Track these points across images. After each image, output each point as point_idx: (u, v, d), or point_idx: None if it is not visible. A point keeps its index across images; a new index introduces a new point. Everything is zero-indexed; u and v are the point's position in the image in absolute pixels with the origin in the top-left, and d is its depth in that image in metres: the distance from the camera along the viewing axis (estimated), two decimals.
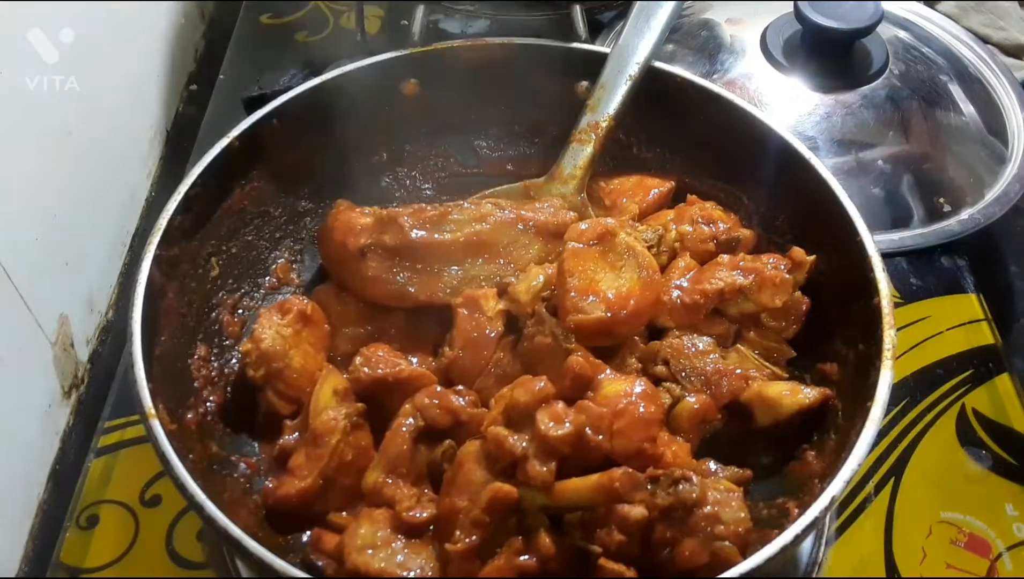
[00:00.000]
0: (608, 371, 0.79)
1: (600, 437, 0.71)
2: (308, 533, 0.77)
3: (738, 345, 0.86)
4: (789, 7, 1.15)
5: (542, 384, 0.73)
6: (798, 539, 0.64)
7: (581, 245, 0.85)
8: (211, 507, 0.66)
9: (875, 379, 0.72)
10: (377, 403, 0.81)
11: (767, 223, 0.95)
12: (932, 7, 1.31)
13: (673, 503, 0.68)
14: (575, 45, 1.02)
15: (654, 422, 0.74)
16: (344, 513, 0.77)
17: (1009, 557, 0.85)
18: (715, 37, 1.21)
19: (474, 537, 0.69)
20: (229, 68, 1.31)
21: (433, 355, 0.88)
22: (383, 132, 1.03)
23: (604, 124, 0.96)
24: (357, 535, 0.72)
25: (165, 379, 0.76)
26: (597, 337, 0.82)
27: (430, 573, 0.70)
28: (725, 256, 0.89)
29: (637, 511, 0.68)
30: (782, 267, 0.86)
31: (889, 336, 0.75)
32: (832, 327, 0.84)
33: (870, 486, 0.90)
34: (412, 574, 0.70)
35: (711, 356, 0.84)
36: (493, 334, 0.84)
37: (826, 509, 0.65)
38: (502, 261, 0.89)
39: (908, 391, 0.97)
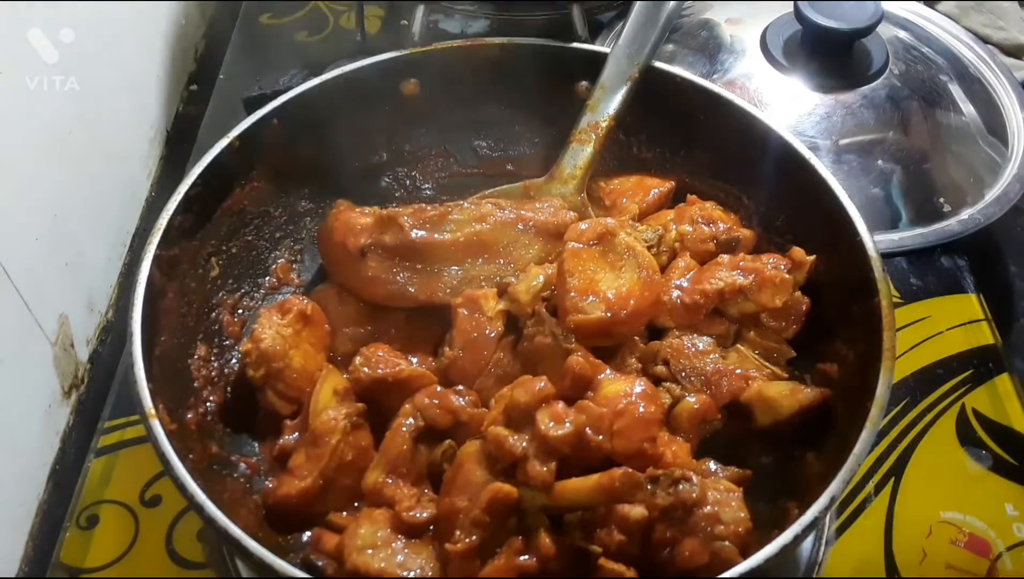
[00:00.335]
0: (608, 371, 0.79)
1: (600, 437, 0.71)
2: (308, 533, 0.77)
3: (738, 345, 0.86)
4: (789, 7, 1.15)
5: (542, 384, 0.73)
6: (798, 539, 0.64)
7: (581, 245, 0.85)
8: (211, 507, 0.66)
9: (875, 379, 0.72)
10: (377, 403, 0.81)
11: (767, 223, 0.95)
12: (932, 7, 1.31)
13: (673, 503, 0.68)
14: (575, 45, 1.02)
15: (654, 422, 0.74)
16: (344, 513, 0.77)
17: (1009, 557, 0.85)
18: (715, 37, 1.21)
19: (474, 537, 0.68)
20: (229, 68, 1.31)
21: (433, 355, 0.88)
22: (383, 132, 1.03)
23: (604, 124, 0.96)
24: (357, 535, 0.72)
25: (165, 379, 0.76)
26: (597, 337, 0.82)
27: (430, 573, 0.70)
28: (725, 256, 0.89)
29: (637, 511, 0.68)
30: (782, 267, 0.86)
31: (889, 336, 0.75)
32: (832, 327, 0.84)
33: (870, 486, 0.90)
34: (412, 574, 0.70)
35: (711, 356, 0.84)
36: (493, 334, 0.84)
37: (826, 509, 0.66)
38: (502, 261, 0.89)
39: (908, 391, 0.97)
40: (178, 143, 1.26)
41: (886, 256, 0.82)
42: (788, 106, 1.13)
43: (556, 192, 0.97)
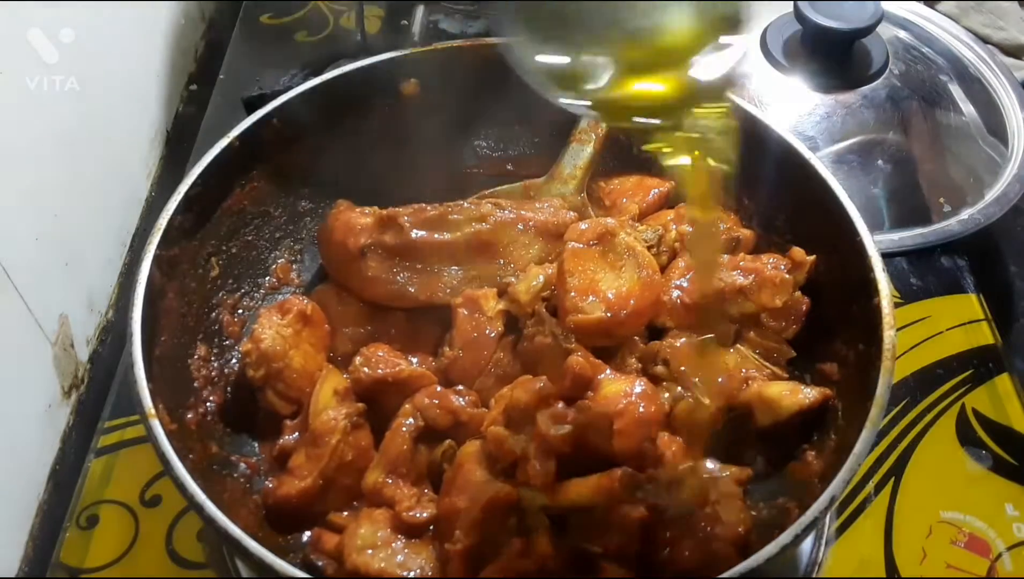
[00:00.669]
0: (608, 371, 0.79)
1: (600, 437, 0.71)
2: (308, 533, 0.77)
3: (738, 345, 0.86)
4: (789, 7, 1.15)
5: (542, 384, 0.73)
6: (798, 539, 0.64)
7: (581, 245, 0.85)
8: (211, 507, 0.65)
9: (875, 379, 0.72)
10: (377, 403, 0.81)
11: (767, 223, 0.95)
12: (932, 7, 1.31)
13: (673, 503, 0.68)
14: None
15: (654, 422, 0.74)
16: (344, 513, 0.77)
17: (1009, 557, 0.85)
18: None
19: (474, 538, 0.69)
20: (229, 68, 1.31)
21: (433, 355, 0.88)
22: (383, 132, 1.03)
23: (604, 124, 0.96)
24: (357, 535, 0.72)
25: (165, 379, 0.76)
26: (597, 337, 0.82)
27: (430, 573, 0.70)
28: (725, 256, 0.89)
29: (637, 511, 0.68)
30: (782, 267, 0.86)
31: (889, 336, 0.75)
32: (832, 327, 0.84)
33: (870, 486, 0.90)
34: (412, 574, 0.70)
35: (711, 356, 0.84)
36: (493, 334, 0.84)
37: (826, 509, 0.65)
38: (502, 261, 0.89)
39: (908, 391, 0.97)
40: (178, 143, 1.26)
41: (886, 256, 0.82)
42: (788, 106, 1.13)
43: (556, 192, 0.97)
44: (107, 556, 0.85)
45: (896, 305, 0.78)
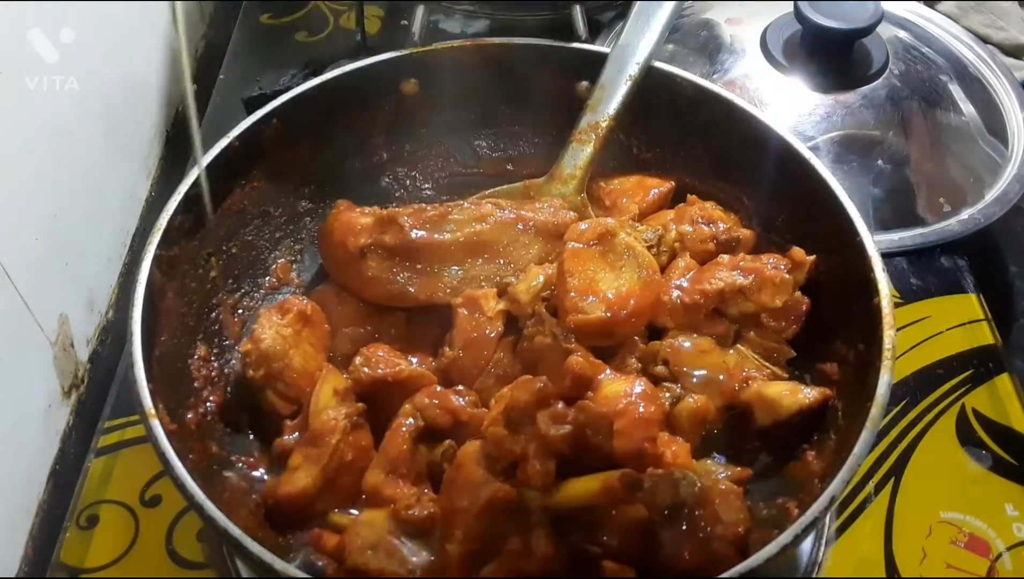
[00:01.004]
0: (608, 371, 0.79)
1: (600, 437, 0.71)
2: (308, 533, 0.77)
3: (738, 345, 0.86)
4: (789, 7, 1.15)
5: (542, 384, 0.73)
6: (798, 539, 0.64)
7: (581, 245, 0.85)
8: (211, 507, 0.65)
9: (875, 379, 0.72)
10: (377, 403, 0.81)
11: (767, 223, 0.95)
12: (932, 7, 1.31)
13: (673, 503, 0.68)
14: (575, 45, 1.02)
15: (654, 422, 0.74)
16: (344, 513, 0.77)
17: (1009, 557, 0.85)
18: (715, 37, 1.21)
19: (474, 537, 0.68)
20: (229, 68, 1.31)
21: (433, 355, 0.88)
22: (383, 132, 1.03)
23: (604, 124, 0.96)
24: (357, 535, 0.72)
25: (165, 379, 0.76)
26: (597, 337, 0.82)
27: (430, 573, 0.70)
28: (725, 256, 0.89)
29: (637, 511, 0.68)
30: (782, 267, 0.86)
31: (889, 336, 0.75)
32: (832, 327, 0.84)
33: (870, 486, 0.90)
34: (412, 574, 0.70)
35: (711, 356, 0.84)
36: (493, 334, 0.84)
37: (826, 509, 0.65)
38: (502, 261, 0.89)
39: (908, 391, 0.97)
40: (178, 143, 1.26)
41: (886, 256, 0.82)
42: (788, 106, 1.13)
43: (556, 192, 0.97)
44: (107, 556, 0.85)
45: (896, 305, 0.78)
